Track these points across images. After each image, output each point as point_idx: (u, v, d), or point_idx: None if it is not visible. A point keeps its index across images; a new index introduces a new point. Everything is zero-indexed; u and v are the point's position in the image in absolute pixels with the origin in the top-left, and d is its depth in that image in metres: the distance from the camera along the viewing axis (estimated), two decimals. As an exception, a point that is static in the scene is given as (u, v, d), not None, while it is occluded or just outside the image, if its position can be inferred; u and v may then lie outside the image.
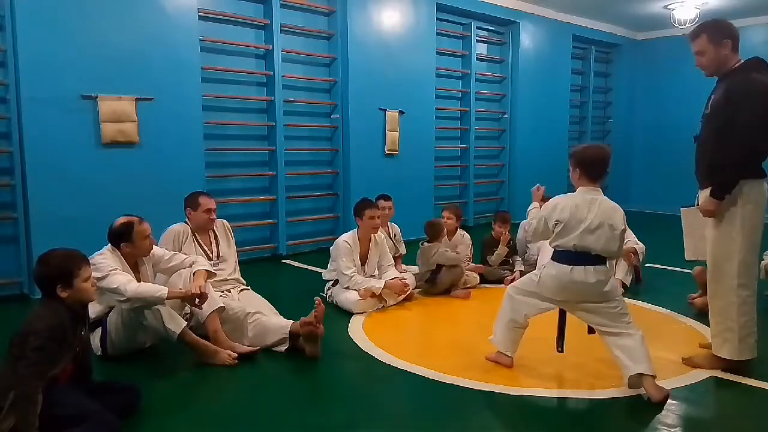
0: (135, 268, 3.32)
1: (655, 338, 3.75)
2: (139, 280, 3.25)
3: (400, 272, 4.64)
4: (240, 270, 4.02)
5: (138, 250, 3.28)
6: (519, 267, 5.16)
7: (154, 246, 3.50)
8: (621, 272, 4.74)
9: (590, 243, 2.80)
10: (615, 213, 2.84)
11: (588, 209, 2.82)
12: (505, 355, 3.14)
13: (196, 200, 3.79)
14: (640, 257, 4.91)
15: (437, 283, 4.62)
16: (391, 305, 4.34)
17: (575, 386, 2.94)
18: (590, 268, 2.82)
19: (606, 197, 2.89)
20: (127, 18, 4.87)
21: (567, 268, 2.84)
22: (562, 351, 3.10)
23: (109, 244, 3.26)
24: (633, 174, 10.77)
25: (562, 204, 2.87)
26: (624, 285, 4.71)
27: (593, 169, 2.89)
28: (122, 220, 3.28)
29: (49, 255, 2.46)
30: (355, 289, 4.16)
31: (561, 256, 2.89)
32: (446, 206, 5.40)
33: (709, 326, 3.19)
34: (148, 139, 5.03)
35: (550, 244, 2.96)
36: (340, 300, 4.22)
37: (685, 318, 4.08)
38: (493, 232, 5.27)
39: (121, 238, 3.24)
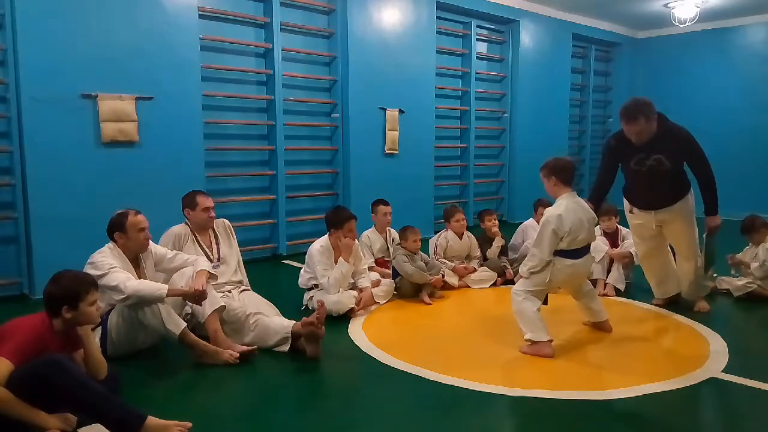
0: (135, 265, 3.32)
1: (653, 338, 3.77)
2: (139, 277, 3.26)
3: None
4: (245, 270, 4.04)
5: (132, 242, 3.28)
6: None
7: (155, 244, 3.51)
8: (612, 278, 4.73)
9: (587, 237, 3.44)
10: (588, 209, 3.53)
11: (576, 210, 3.39)
12: (546, 342, 3.32)
13: (194, 199, 3.78)
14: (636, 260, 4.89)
15: (400, 289, 4.58)
16: (385, 303, 4.39)
17: (575, 387, 2.94)
18: (589, 255, 3.55)
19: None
20: (127, 16, 4.86)
21: (578, 260, 3.43)
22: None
23: (110, 241, 3.27)
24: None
25: (564, 215, 3.34)
26: (617, 290, 4.71)
27: (568, 175, 3.47)
28: (118, 211, 3.30)
29: (61, 276, 2.51)
30: (337, 292, 4.07)
31: (572, 253, 3.39)
32: (456, 207, 5.22)
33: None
34: (147, 138, 5.02)
35: (560, 247, 3.39)
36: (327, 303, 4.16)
37: (683, 318, 4.08)
38: (484, 228, 5.25)
39: (114, 227, 3.26)
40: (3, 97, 4.53)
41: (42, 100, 4.49)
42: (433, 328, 3.94)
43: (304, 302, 4.25)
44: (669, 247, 4.37)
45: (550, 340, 3.32)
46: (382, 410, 2.73)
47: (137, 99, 4.93)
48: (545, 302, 3.53)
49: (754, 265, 4.49)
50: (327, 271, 4.08)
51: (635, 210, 4.15)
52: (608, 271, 4.79)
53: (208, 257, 3.72)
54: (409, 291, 4.53)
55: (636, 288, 4.86)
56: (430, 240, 5.23)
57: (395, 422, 2.60)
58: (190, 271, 3.39)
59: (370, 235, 4.99)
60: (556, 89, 9.23)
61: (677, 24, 8.85)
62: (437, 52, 7.53)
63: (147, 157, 5.03)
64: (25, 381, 2.20)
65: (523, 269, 3.48)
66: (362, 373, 3.23)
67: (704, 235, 4.07)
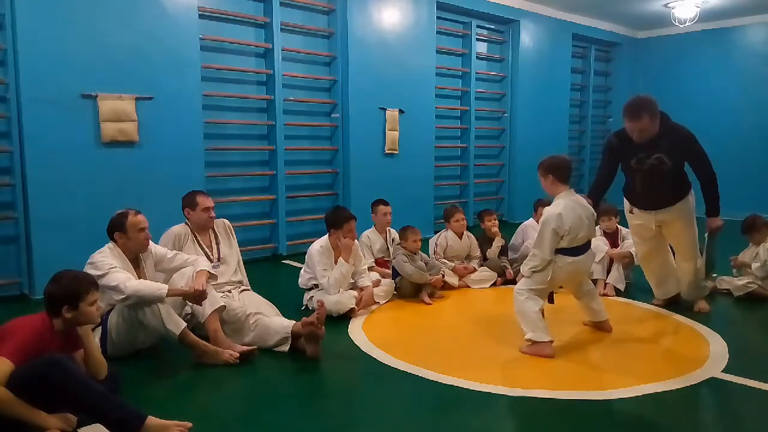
0: (135, 265, 3.33)
1: (653, 338, 3.77)
2: (139, 277, 3.26)
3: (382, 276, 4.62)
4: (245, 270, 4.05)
5: (132, 242, 3.28)
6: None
7: (155, 244, 3.51)
8: (612, 278, 4.73)
9: (587, 234, 3.45)
10: (587, 205, 3.53)
11: (575, 208, 3.38)
12: (547, 342, 3.32)
13: (194, 199, 3.78)
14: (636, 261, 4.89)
15: (400, 289, 4.57)
16: (385, 302, 4.39)
17: (575, 387, 2.94)
18: (590, 252, 3.54)
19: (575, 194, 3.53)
20: (127, 16, 4.86)
21: (579, 257, 3.42)
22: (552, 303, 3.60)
23: (110, 241, 3.27)
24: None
25: (563, 213, 3.32)
26: (617, 290, 4.71)
27: (564, 173, 3.45)
28: (118, 211, 3.31)
29: (61, 275, 2.51)
30: (337, 291, 4.07)
31: (573, 250, 3.39)
32: (456, 207, 5.22)
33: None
34: (147, 139, 5.02)
35: (561, 245, 3.38)
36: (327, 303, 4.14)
37: (683, 318, 4.08)
38: (484, 228, 5.24)
39: (114, 227, 3.26)
40: (3, 97, 4.53)
41: (42, 100, 4.49)
42: (433, 328, 3.94)
43: (304, 302, 4.25)
44: (669, 248, 4.36)
45: (551, 341, 3.32)
46: (382, 410, 2.73)
47: (137, 99, 4.93)
48: (551, 301, 3.54)
49: (755, 265, 4.49)
50: (327, 272, 4.08)
51: (635, 210, 4.15)
52: (608, 271, 4.79)
53: (208, 257, 3.72)
54: (409, 291, 4.53)
55: (636, 288, 4.86)
56: (430, 240, 5.23)
57: (395, 422, 2.60)
58: (190, 271, 3.39)
59: (370, 235, 4.99)
60: (556, 89, 9.23)
61: (677, 24, 8.85)
62: (437, 52, 7.53)
63: (147, 157, 5.03)
64: (25, 381, 2.20)
65: (524, 269, 3.48)
66: (362, 373, 3.23)
67: (705, 236, 4.07)
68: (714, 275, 4.63)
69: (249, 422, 2.60)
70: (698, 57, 9.93)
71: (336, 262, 4.13)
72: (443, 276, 4.67)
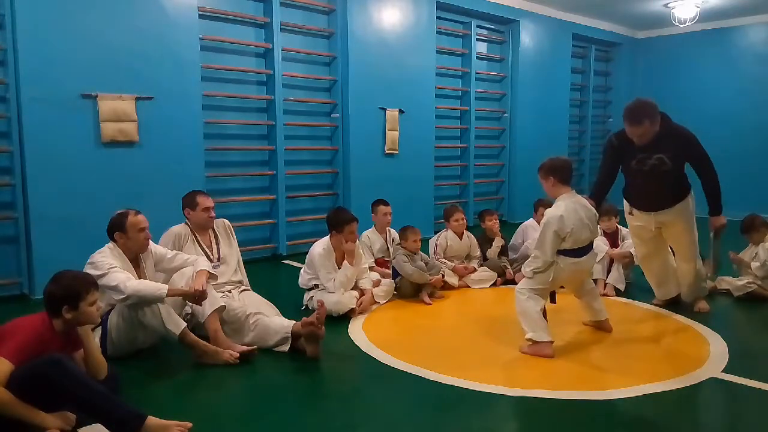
0: (135, 265, 3.33)
1: (653, 338, 3.77)
2: (139, 277, 3.26)
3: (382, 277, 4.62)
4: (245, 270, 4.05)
5: (132, 242, 3.28)
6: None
7: (155, 244, 3.51)
8: (612, 278, 4.73)
9: (590, 235, 3.45)
10: (590, 206, 3.52)
11: (576, 210, 3.37)
12: (547, 342, 3.31)
13: (194, 199, 3.78)
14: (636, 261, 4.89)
15: (400, 289, 4.57)
16: (385, 302, 4.40)
17: (575, 387, 2.94)
18: (592, 252, 3.54)
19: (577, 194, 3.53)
20: (127, 16, 4.86)
21: (582, 258, 3.43)
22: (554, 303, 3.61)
23: (110, 241, 3.27)
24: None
25: (565, 215, 3.32)
26: (617, 290, 4.71)
27: (565, 173, 3.46)
28: (118, 211, 3.32)
29: (61, 275, 2.52)
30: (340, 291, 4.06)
31: (575, 251, 3.39)
32: (456, 207, 5.19)
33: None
34: (147, 139, 5.02)
35: (564, 246, 3.38)
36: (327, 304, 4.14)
37: (683, 318, 4.08)
38: (485, 228, 5.25)
39: (114, 227, 3.27)
40: (3, 97, 4.53)
41: (42, 100, 4.49)
42: (433, 328, 3.94)
43: (304, 302, 4.25)
44: (669, 249, 4.36)
45: (551, 341, 3.32)
46: (382, 410, 2.73)
47: (137, 99, 4.93)
48: (553, 300, 3.54)
49: (754, 264, 4.49)
50: (331, 275, 4.08)
51: (635, 211, 4.15)
52: (608, 271, 4.79)
53: (208, 257, 3.72)
54: (409, 291, 4.53)
55: (636, 288, 4.86)
56: (430, 240, 5.23)
57: (395, 422, 2.60)
58: (190, 271, 3.39)
59: (370, 235, 4.99)
60: (556, 89, 9.23)
61: (677, 24, 8.85)
62: (437, 52, 7.53)
63: (147, 157, 5.03)
64: (25, 381, 2.20)
65: (526, 270, 3.47)
66: (362, 373, 3.23)
67: (711, 237, 4.06)
68: (714, 275, 4.63)
69: (249, 422, 2.60)
70: (698, 57, 9.93)
71: (337, 262, 4.13)
72: (443, 276, 4.67)
